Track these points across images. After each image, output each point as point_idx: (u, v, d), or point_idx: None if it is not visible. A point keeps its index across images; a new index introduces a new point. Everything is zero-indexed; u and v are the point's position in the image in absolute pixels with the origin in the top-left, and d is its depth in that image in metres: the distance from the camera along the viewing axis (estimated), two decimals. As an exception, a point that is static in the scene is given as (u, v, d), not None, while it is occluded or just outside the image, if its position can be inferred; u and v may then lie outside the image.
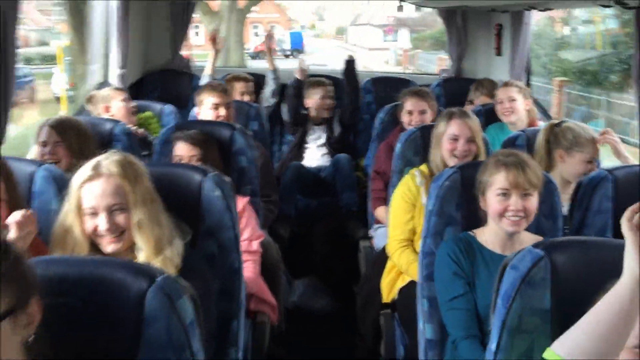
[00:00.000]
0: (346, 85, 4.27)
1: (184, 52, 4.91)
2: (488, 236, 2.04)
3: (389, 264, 2.69)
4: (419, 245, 2.33)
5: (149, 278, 1.22)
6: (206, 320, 1.71)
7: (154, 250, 1.64)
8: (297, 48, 31.91)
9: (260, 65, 9.70)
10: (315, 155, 4.18)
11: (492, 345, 1.48)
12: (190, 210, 1.90)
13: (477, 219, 2.09)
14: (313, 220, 3.98)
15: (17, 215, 1.65)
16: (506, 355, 1.46)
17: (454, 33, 4.96)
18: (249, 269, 2.46)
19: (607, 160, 2.94)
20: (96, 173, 1.64)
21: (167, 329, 1.21)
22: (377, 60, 27.80)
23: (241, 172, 2.68)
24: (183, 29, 4.68)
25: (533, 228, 2.06)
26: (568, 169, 2.59)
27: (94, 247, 1.67)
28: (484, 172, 2.03)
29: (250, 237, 2.52)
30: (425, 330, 2.12)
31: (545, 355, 1.19)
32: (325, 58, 22.54)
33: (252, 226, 2.59)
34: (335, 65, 6.15)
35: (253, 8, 20.41)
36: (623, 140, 3.43)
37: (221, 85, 3.36)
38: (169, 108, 3.82)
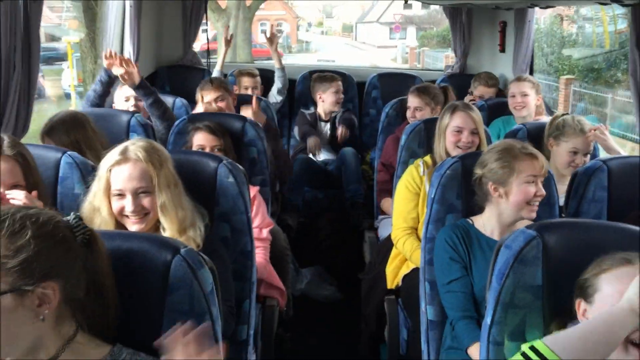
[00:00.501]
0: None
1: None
2: (485, 223, 2.14)
3: (393, 252, 2.79)
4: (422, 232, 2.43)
5: (174, 250, 1.34)
6: (225, 299, 1.83)
7: (178, 230, 1.77)
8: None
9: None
10: (322, 148, 4.29)
11: (487, 319, 1.59)
12: (205, 196, 2.02)
13: (477, 206, 2.19)
14: (320, 212, 4.10)
15: (19, 195, 1.73)
16: (500, 329, 1.56)
17: (458, 30, 5.06)
18: (259, 255, 2.54)
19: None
20: (124, 157, 1.76)
21: (189, 296, 1.32)
22: (385, 58, 27.84)
23: (252, 162, 2.79)
24: (195, 25, 4.79)
25: (530, 216, 2.15)
26: (555, 158, 2.71)
27: (120, 226, 1.79)
28: (501, 161, 2.06)
29: (260, 224, 2.62)
30: (427, 311, 2.22)
31: (536, 345, 1.29)
32: (333, 54, 22.61)
33: (262, 214, 2.68)
34: (343, 62, 6.24)
35: (260, 5, 20.46)
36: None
37: (216, 80, 3.42)
38: (180, 101, 3.93)
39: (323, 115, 4.37)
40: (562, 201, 2.41)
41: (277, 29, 4.66)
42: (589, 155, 2.72)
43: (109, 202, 1.77)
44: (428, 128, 2.94)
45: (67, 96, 13.17)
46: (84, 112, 2.77)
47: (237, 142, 2.77)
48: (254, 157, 2.80)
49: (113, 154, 1.78)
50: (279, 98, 4.52)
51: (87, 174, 2.03)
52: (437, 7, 11.10)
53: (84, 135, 2.52)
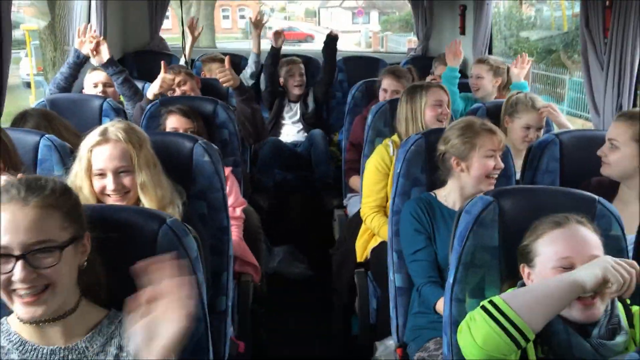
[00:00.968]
0: (324, 61, 4.45)
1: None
2: (447, 196, 2.27)
3: (362, 227, 2.91)
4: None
5: (160, 220, 1.44)
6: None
7: (158, 207, 1.84)
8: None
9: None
10: (291, 131, 4.39)
11: (450, 279, 1.72)
12: (182, 175, 2.09)
13: (440, 180, 2.32)
14: (290, 192, 4.21)
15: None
16: (462, 287, 1.69)
17: (420, 14, 5.21)
18: (234, 233, 2.61)
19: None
20: (105, 138, 1.84)
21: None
22: (348, 42, 27.86)
23: (224, 144, 2.85)
24: (161, 11, 4.81)
25: (489, 186, 2.29)
26: (511, 134, 2.87)
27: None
28: (463, 137, 2.20)
29: (233, 203, 2.70)
30: (395, 279, 2.35)
31: (495, 300, 1.43)
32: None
33: (236, 193, 2.77)
34: (307, 47, 6.31)
35: (222, -10, 20.21)
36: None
37: (176, 67, 3.48)
38: (148, 86, 3.96)
39: (291, 97, 4.46)
40: (518, 175, 2.56)
41: (262, 14, 4.63)
42: (542, 131, 2.89)
43: (91, 182, 1.84)
44: (393, 108, 3.06)
45: (27, 84, 12.86)
46: (50, 109, 2.77)
47: (209, 124, 2.83)
48: (225, 138, 2.87)
49: (93, 135, 1.85)
50: (250, 82, 4.58)
51: (65, 156, 2.09)
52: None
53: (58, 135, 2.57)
